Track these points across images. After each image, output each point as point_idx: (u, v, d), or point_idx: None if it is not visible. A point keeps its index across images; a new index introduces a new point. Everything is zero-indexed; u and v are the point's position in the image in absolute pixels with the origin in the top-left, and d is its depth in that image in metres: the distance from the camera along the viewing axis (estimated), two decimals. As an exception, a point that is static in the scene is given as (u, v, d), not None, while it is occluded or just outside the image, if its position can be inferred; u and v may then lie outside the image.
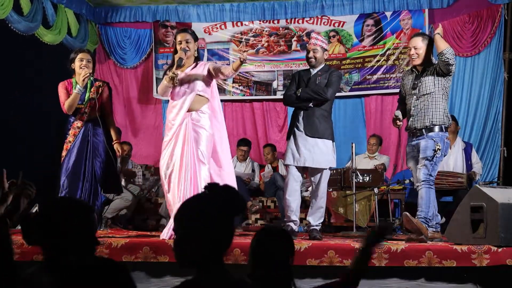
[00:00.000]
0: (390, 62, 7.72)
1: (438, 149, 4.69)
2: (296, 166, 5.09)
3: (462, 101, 7.36)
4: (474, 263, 4.03)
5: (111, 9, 8.08)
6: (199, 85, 4.84)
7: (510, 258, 4.01)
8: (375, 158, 7.29)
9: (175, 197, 4.74)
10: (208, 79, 4.90)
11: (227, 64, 7.93)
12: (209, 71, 4.88)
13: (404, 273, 4.13)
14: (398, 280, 4.12)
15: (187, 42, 4.88)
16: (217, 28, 8.13)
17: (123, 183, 7.15)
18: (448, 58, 4.67)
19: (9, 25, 5.97)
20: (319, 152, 5.05)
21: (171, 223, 4.70)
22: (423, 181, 4.73)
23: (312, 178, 5.16)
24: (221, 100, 8.12)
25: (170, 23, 8.14)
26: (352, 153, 6.28)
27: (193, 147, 4.74)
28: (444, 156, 4.94)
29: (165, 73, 5.02)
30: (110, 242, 4.30)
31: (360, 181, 6.26)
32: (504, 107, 6.92)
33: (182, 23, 8.03)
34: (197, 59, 5.00)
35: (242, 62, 4.60)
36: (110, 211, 6.73)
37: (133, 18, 8.13)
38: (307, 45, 5.39)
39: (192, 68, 4.91)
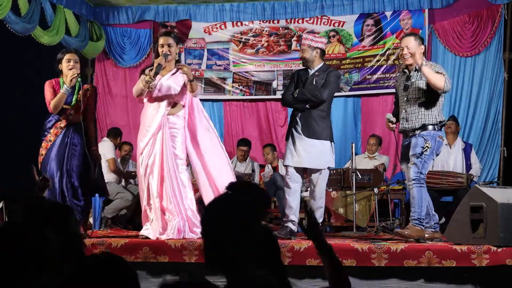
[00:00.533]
0: (390, 62, 7.72)
1: (427, 146, 4.66)
2: (295, 167, 5.09)
3: (462, 101, 7.36)
4: (473, 263, 4.03)
5: (111, 9, 8.08)
6: (176, 91, 4.87)
7: (510, 258, 4.01)
8: (375, 158, 7.28)
9: (153, 195, 4.79)
10: (184, 86, 4.92)
11: (226, 64, 8.02)
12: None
13: (404, 273, 4.13)
14: (398, 280, 4.12)
15: (169, 46, 4.86)
16: (217, 28, 8.12)
17: (123, 183, 7.16)
18: (447, 92, 4.76)
19: (7, 26, 5.96)
20: (317, 153, 5.04)
21: (176, 222, 4.74)
22: (413, 179, 4.68)
23: (311, 178, 5.16)
24: (221, 100, 8.31)
25: (170, 23, 8.13)
26: (352, 153, 6.28)
27: (172, 149, 4.82)
28: (437, 155, 4.90)
29: (142, 72, 4.95)
30: (110, 242, 4.30)
31: (360, 181, 6.26)
32: (504, 107, 6.93)
33: (182, 23, 8.03)
34: (178, 62, 5.04)
35: (190, 80, 4.75)
36: (110, 211, 6.73)
37: (133, 18, 8.13)
38: None
39: (173, 74, 4.91)
